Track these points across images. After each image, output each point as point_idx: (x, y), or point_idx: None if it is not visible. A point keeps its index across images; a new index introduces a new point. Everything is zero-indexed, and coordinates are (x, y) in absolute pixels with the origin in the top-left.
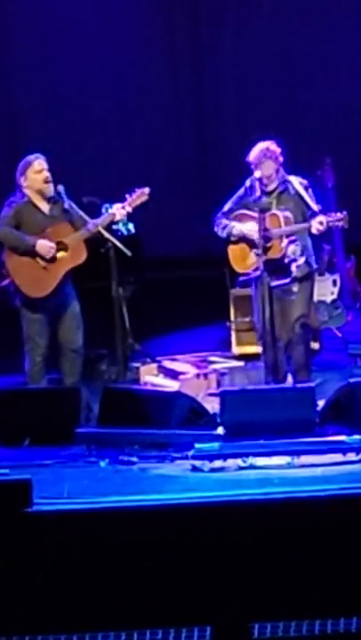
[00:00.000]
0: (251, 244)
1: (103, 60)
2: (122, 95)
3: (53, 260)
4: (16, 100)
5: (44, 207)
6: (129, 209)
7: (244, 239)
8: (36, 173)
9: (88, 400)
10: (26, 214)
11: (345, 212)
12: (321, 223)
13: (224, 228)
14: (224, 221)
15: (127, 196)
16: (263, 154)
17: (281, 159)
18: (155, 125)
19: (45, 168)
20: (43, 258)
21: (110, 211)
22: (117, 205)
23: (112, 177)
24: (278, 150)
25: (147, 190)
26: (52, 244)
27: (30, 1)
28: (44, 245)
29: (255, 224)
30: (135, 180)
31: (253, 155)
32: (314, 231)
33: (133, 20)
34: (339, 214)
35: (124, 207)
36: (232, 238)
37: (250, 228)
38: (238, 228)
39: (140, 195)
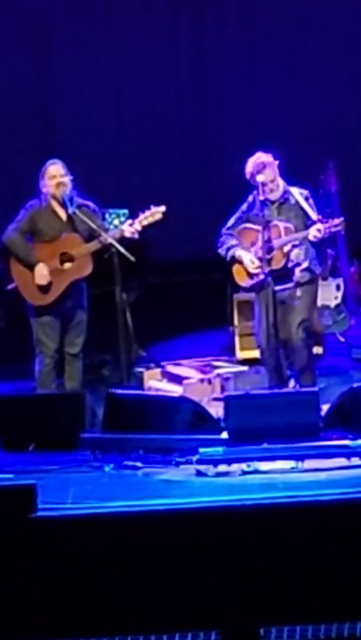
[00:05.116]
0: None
1: (102, 68)
2: (124, 101)
3: (60, 271)
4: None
5: (62, 213)
6: (138, 227)
7: (243, 265)
8: (50, 179)
9: (92, 405)
10: (41, 220)
11: (342, 218)
12: (319, 230)
13: (227, 250)
14: (228, 242)
15: (140, 212)
16: (258, 163)
17: (276, 163)
18: (158, 132)
19: (61, 174)
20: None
21: (122, 227)
22: (128, 222)
23: (115, 184)
24: (271, 158)
25: (162, 209)
26: (48, 276)
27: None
28: (41, 273)
29: (253, 257)
30: (138, 187)
31: (249, 166)
32: (311, 238)
33: (136, 23)
34: (336, 220)
35: (132, 224)
36: (236, 258)
37: (247, 262)
38: (238, 254)
39: (154, 213)
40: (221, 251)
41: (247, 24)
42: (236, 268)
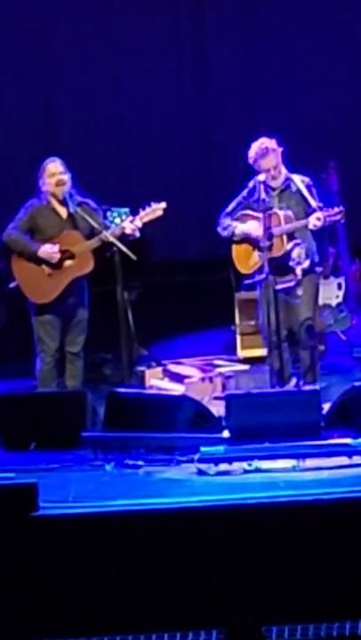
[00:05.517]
0: (253, 242)
1: (103, 66)
2: (125, 100)
3: (59, 266)
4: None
5: (62, 211)
6: (139, 223)
7: (246, 239)
8: (49, 177)
9: (93, 404)
10: (41, 219)
11: (342, 207)
12: (318, 219)
13: (225, 228)
14: (226, 221)
15: (140, 209)
16: (261, 148)
17: (280, 150)
18: (159, 131)
19: (60, 171)
20: (48, 264)
21: (122, 224)
22: (129, 218)
23: (116, 181)
24: (275, 144)
25: (162, 205)
26: (55, 248)
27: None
28: (47, 251)
29: (256, 223)
30: (139, 186)
31: (252, 151)
32: (311, 227)
33: (135, 24)
34: (336, 209)
35: (133, 221)
36: (235, 238)
37: (251, 227)
38: (240, 227)
39: (155, 210)
40: (220, 229)
41: (247, 24)
42: (235, 252)
